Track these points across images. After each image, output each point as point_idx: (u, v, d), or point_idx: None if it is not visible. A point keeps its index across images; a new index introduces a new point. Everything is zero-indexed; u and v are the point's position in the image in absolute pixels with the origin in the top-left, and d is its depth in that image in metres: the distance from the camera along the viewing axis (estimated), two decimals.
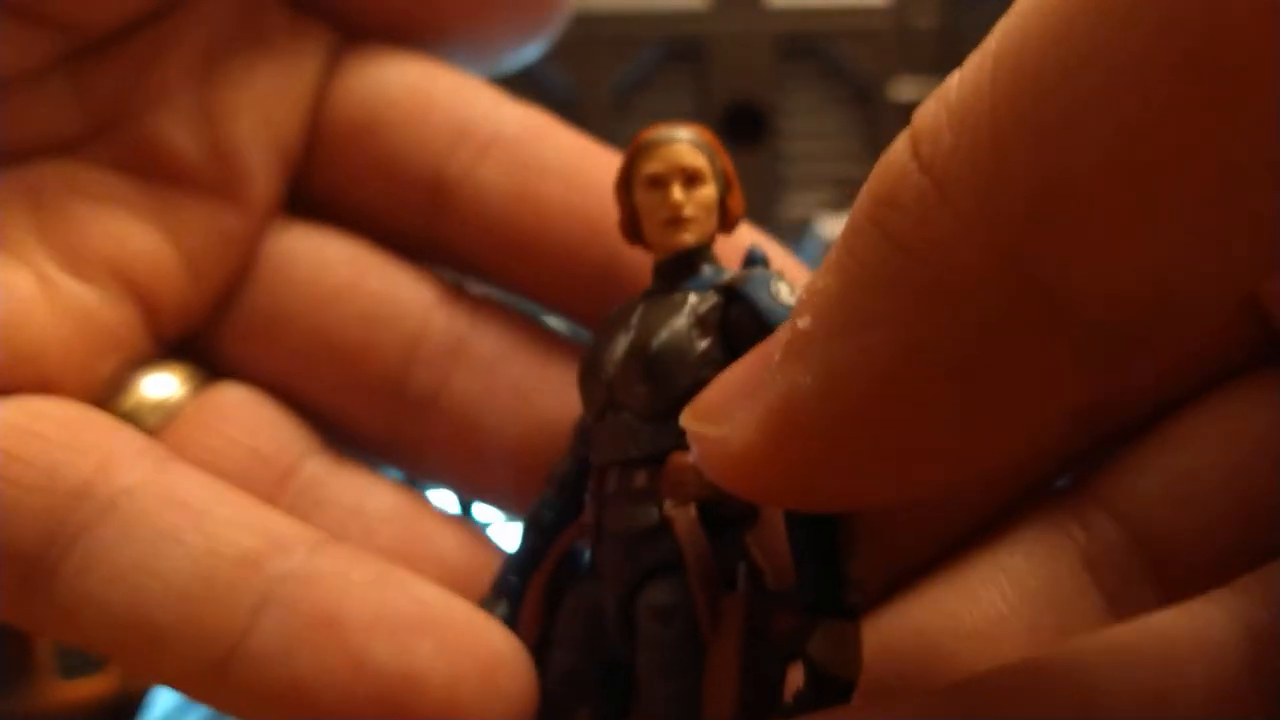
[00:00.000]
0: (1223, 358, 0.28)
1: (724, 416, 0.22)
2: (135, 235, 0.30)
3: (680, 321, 0.27)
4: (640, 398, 0.27)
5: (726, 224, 0.29)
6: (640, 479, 0.27)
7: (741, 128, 0.96)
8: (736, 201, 0.29)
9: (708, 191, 0.28)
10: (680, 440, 0.26)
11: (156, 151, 0.31)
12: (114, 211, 0.30)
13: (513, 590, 0.30)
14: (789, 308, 0.26)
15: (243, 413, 0.31)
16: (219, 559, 0.26)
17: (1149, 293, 0.18)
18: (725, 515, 0.26)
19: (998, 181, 0.18)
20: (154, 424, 0.31)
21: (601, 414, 0.28)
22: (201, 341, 0.33)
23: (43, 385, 0.29)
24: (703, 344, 0.27)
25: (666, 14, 0.96)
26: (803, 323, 0.20)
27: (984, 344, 0.19)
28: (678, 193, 0.28)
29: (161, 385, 0.31)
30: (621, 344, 0.28)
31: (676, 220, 0.28)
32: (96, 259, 0.30)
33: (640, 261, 0.31)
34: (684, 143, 0.28)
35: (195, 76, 0.31)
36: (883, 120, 0.98)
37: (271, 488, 0.31)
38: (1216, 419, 0.27)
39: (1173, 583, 0.26)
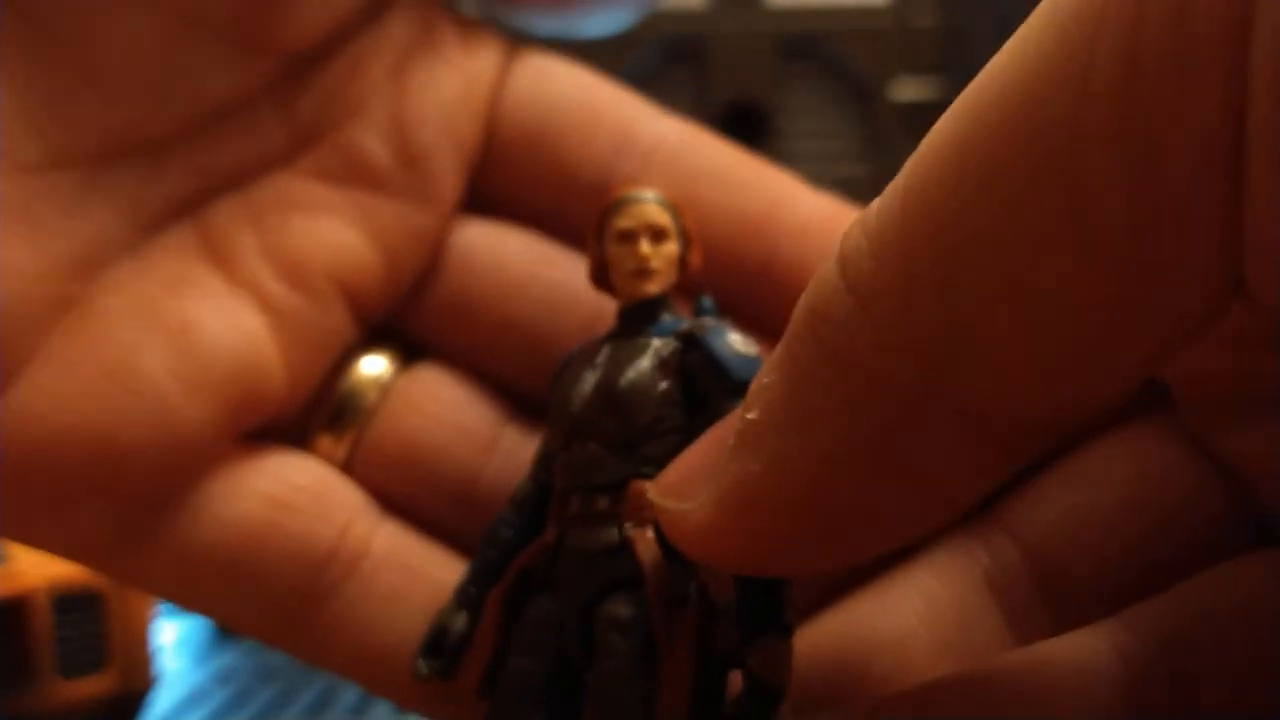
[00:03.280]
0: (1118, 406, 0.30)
1: (686, 495, 0.24)
2: (345, 241, 0.33)
3: (645, 363, 0.29)
4: (606, 429, 0.29)
5: (685, 275, 0.32)
6: (602, 503, 0.29)
7: (741, 128, 0.96)
8: (695, 257, 0.32)
9: (671, 247, 0.31)
10: (640, 469, 0.28)
11: (356, 160, 0.34)
12: (326, 221, 0.33)
13: (472, 601, 0.32)
14: (740, 355, 0.29)
15: (445, 391, 0.35)
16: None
17: (1053, 405, 0.19)
18: None
19: (909, 303, 0.19)
20: (373, 399, 0.34)
21: (568, 443, 0.30)
22: (400, 325, 0.36)
23: (279, 400, 0.33)
24: (663, 384, 0.29)
25: (666, 14, 0.96)
26: (751, 415, 0.22)
27: (907, 443, 0.20)
28: (645, 247, 0.30)
29: (374, 365, 0.35)
30: (589, 381, 0.30)
31: (643, 272, 0.30)
32: (314, 269, 0.33)
33: (803, 269, 0.33)
34: (652, 203, 0.31)
35: (386, 89, 0.34)
36: (883, 120, 0.98)
37: (478, 457, 0.34)
38: (1112, 458, 0.29)
39: (1065, 607, 0.28)
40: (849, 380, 0.20)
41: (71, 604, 1.32)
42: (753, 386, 0.23)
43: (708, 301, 0.32)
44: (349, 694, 1.39)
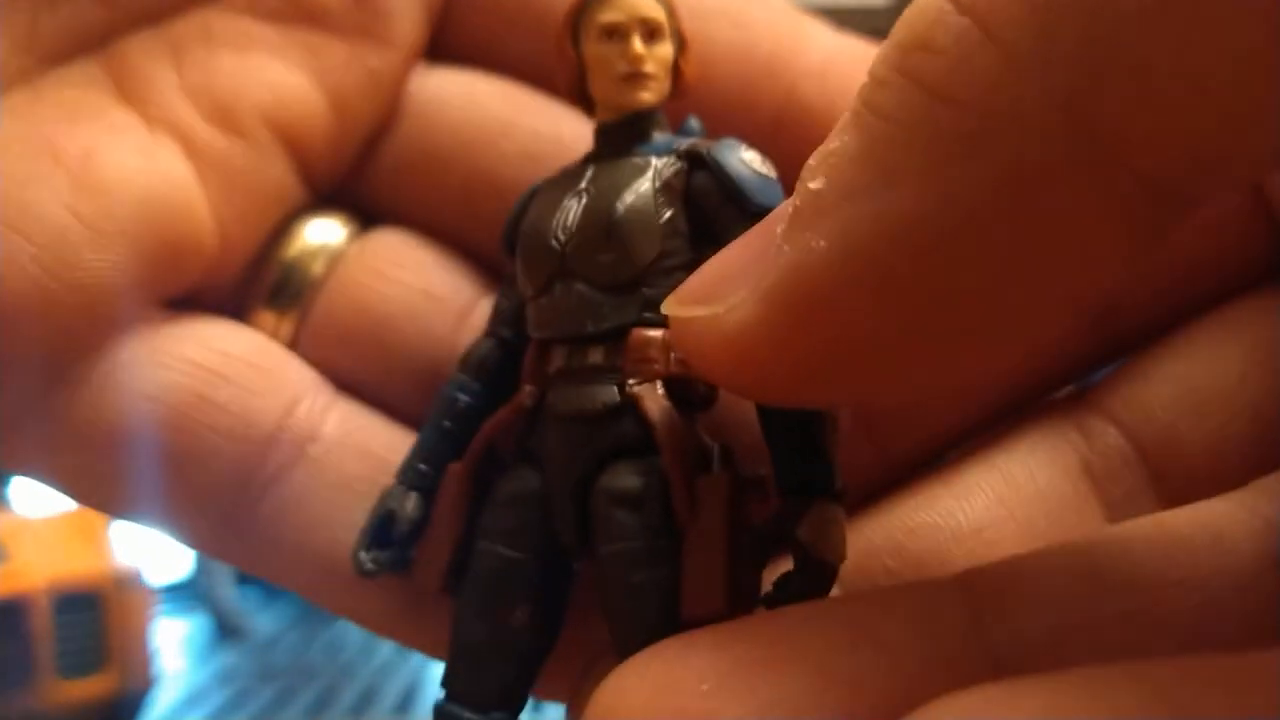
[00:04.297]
0: (1230, 267, 0.27)
1: (715, 296, 0.19)
2: (281, 80, 0.29)
3: (644, 185, 0.25)
4: (600, 267, 0.24)
5: (680, 88, 0.26)
6: (596, 355, 0.24)
7: None
8: (691, 64, 0.26)
9: (666, 49, 0.25)
10: (642, 315, 0.24)
11: None
12: (257, 58, 0.29)
13: (424, 481, 0.26)
14: (759, 175, 0.24)
15: (408, 256, 0.30)
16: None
17: (1204, 144, 0.16)
18: (686, 397, 0.24)
19: (1053, 15, 0.16)
20: (320, 269, 0.29)
21: (548, 285, 0.25)
22: (353, 186, 0.31)
23: (209, 258, 0.28)
24: (668, 212, 0.24)
25: None
26: (815, 184, 0.18)
27: (1029, 196, 0.17)
28: (638, 45, 0.25)
29: (324, 231, 0.30)
30: (573, 209, 0.25)
31: (636, 76, 0.25)
32: (245, 109, 0.28)
33: (825, 113, 0.28)
34: None
35: None
36: None
37: (451, 328, 0.29)
38: (1223, 331, 0.26)
39: (1174, 493, 0.25)
40: (958, 120, 0.17)
41: (71, 604, 1.32)
42: (812, 159, 0.18)
43: (695, 122, 0.27)
44: (349, 694, 1.39)
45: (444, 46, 0.31)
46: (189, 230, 0.27)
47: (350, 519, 0.26)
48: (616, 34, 0.25)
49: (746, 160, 0.24)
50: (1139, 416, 0.26)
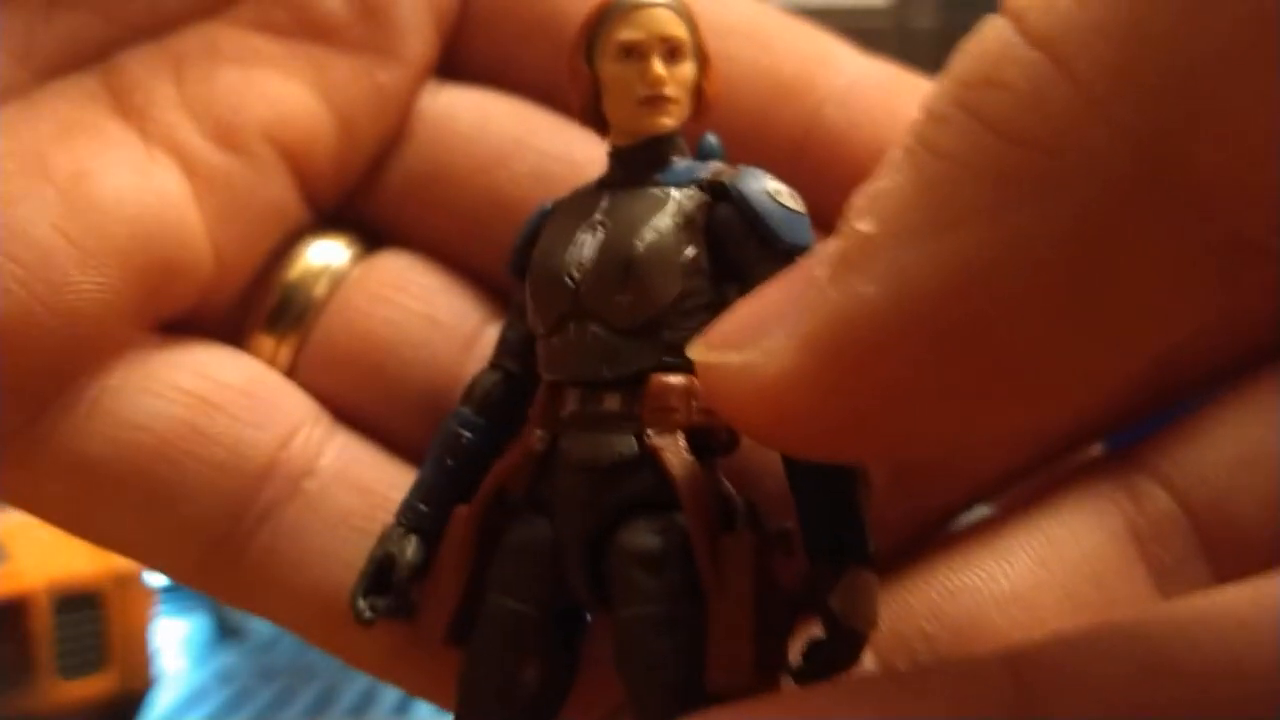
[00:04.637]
0: None
1: (749, 342, 0.18)
2: (285, 96, 0.28)
3: (665, 221, 0.23)
4: (617, 309, 0.23)
5: (701, 109, 0.25)
6: (612, 402, 0.23)
7: None
8: (713, 83, 0.25)
9: (688, 69, 0.24)
10: (662, 360, 0.23)
11: (302, 8, 0.28)
12: (261, 73, 0.28)
13: (425, 522, 0.25)
14: (788, 210, 0.23)
15: (413, 280, 0.29)
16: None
17: None
18: (707, 445, 0.23)
19: (1136, 51, 0.15)
20: (322, 291, 0.28)
21: (561, 324, 0.23)
22: (359, 206, 0.30)
23: (204, 280, 0.27)
24: (689, 249, 0.23)
25: None
26: (864, 225, 0.17)
27: (1101, 244, 0.16)
28: (659, 66, 0.23)
29: (327, 252, 0.29)
30: (588, 243, 0.23)
31: (656, 100, 0.24)
32: (247, 125, 0.27)
33: (851, 139, 0.28)
34: (665, 8, 0.24)
35: None
36: None
37: (456, 356, 0.28)
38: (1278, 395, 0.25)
39: (1226, 561, 0.24)
40: (1029, 161, 0.16)
41: (71, 604, 1.32)
42: (860, 197, 0.17)
43: (713, 140, 0.26)
44: (349, 694, 1.39)
45: (456, 63, 0.30)
46: (183, 251, 0.26)
47: (346, 556, 0.25)
48: (635, 53, 0.24)
49: (773, 193, 0.23)
50: (1190, 479, 0.25)
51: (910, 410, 0.17)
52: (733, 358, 0.19)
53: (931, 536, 0.25)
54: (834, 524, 0.21)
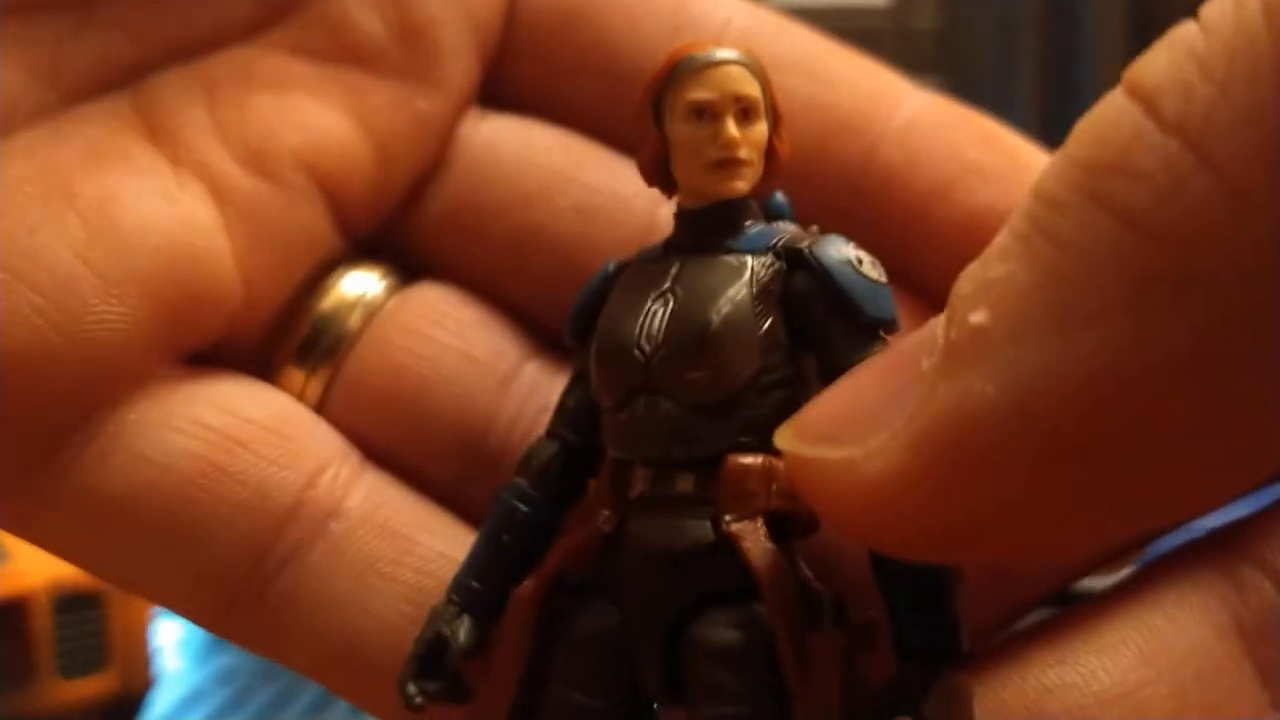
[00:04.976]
0: None
1: (849, 437, 0.17)
2: (320, 122, 0.27)
3: (741, 292, 0.22)
4: (691, 386, 0.22)
5: (773, 170, 0.24)
6: (685, 483, 0.22)
7: None
8: (785, 143, 0.24)
9: (761, 129, 0.23)
10: (738, 439, 0.21)
11: (339, 32, 0.28)
12: (295, 98, 0.27)
13: (478, 602, 0.24)
14: (869, 281, 0.22)
15: (448, 314, 0.28)
16: (430, 596, 0.25)
17: None
18: (786, 529, 0.22)
19: None
20: (355, 323, 0.28)
21: (629, 399, 0.22)
22: (395, 236, 0.29)
23: (232, 310, 0.26)
24: (766, 322, 0.22)
25: None
26: (978, 317, 0.16)
27: (1240, 348, 0.15)
28: (733, 128, 0.22)
29: (361, 283, 0.28)
30: (659, 315, 0.22)
31: (729, 163, 0.22)
32: (280, 151, 0.27)
33: (908, 177, 0.27)
34: (738, 64, 0.22)
35: None
36: None
37: (492, 395, 0.27)
38: None
39: None
40: (1165, 257, 0.15)
41: (71, 604, 1.32)
42: (969, 284, 0.17)
43: (781, 198, 0.25)
44: None
45: (498, 91, 0.30)
46: (211, 280, 0.25)
47: (372, 604, 0.25)
48: (708, 114, 0.22)
49: (854, 262, 0.22)
50: None
51: (1023, 515, 0.17)
52: (830, 453, 0.18)
53: (1014, 621, 0.25)
54: (926, 623, 0.20)
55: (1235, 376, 0.15)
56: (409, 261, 0.29)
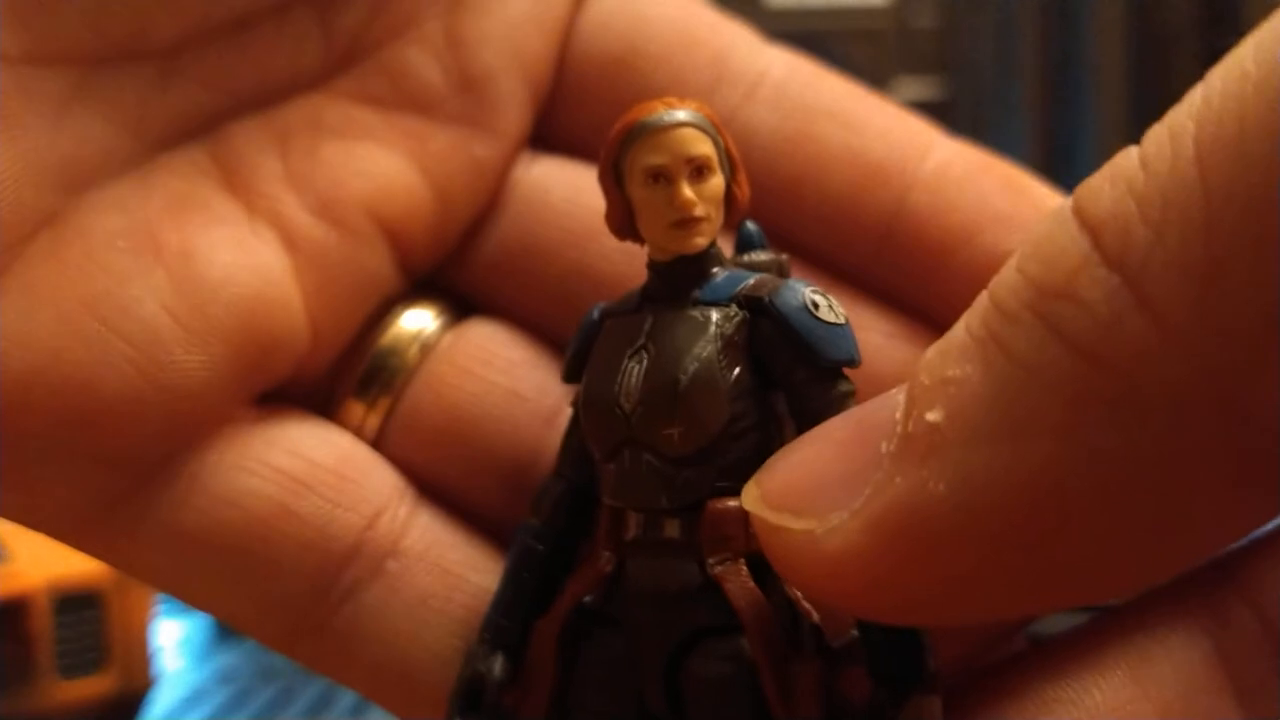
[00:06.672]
0: None
1: (811, 509, 0.19)
2: (385, 170, 0.29)
3: (707, 349, 0.23)
4: (669, 440, 0.23)
5: (733, 214, 0.25)
6: (671, 529, 0.23)
7: None
8: (743, 187, 0.25)
9: (717, 183, 0.24)
10: (715, 485, 0.23)
11: (404, 81, 0.29)
12: (363, 147, 0.29)
13: (507, 638, 0.25)
14: (827, 325, 0.23)
15: (501, 351, 0.30)
16: (476, 630, 0.27)
17: None
18: (767, 564, 0.23)
19: (1213, 288, 0.15)
20: (413, 358, 0.30)
21: (616, 451, 0.24)
22: (450, 275, 0.31)
23: (301, 353, 0.28)
24: (733, 373, 0.23)
25: None
26: (933, 415, 0.17)
27: (1170, 467, 0.16)
28: (687, 191, 0.23)
29: (418, 319, 0.30)
30: (635, 373, 0.24)
31: (686, 222, 0.24)
32: (348, 199, 0.28)
33: (938, 225, 0.28)
34: (688, 127, 0.24)
35: (442, 3, 0.30)
36: None
37: (538, 431, 0.29)
38: None
39: None
40: (1105, 383, 0.16)
41: (71, 604, 1.32)
42: (928, 377, 0.18)
43: (752, 227, 0.26)
44: (349, 694, 1.39)
45: (548, 135, 0.31)
46: (283, 327, 0.27)
47: (424, 638, 0.27)
48: (663, 177, 0.24)
49: (810, 307, 0.23)
50: (1274, 601, 0.24)
51: (970, 593, 0.18)
52: (792, 523, 0.19)
53: (1012, 637, 0.26)
54: (893, 651, 0.22)
55: (1165, 489, 0.16)
56: (462, 297, 0.31)
